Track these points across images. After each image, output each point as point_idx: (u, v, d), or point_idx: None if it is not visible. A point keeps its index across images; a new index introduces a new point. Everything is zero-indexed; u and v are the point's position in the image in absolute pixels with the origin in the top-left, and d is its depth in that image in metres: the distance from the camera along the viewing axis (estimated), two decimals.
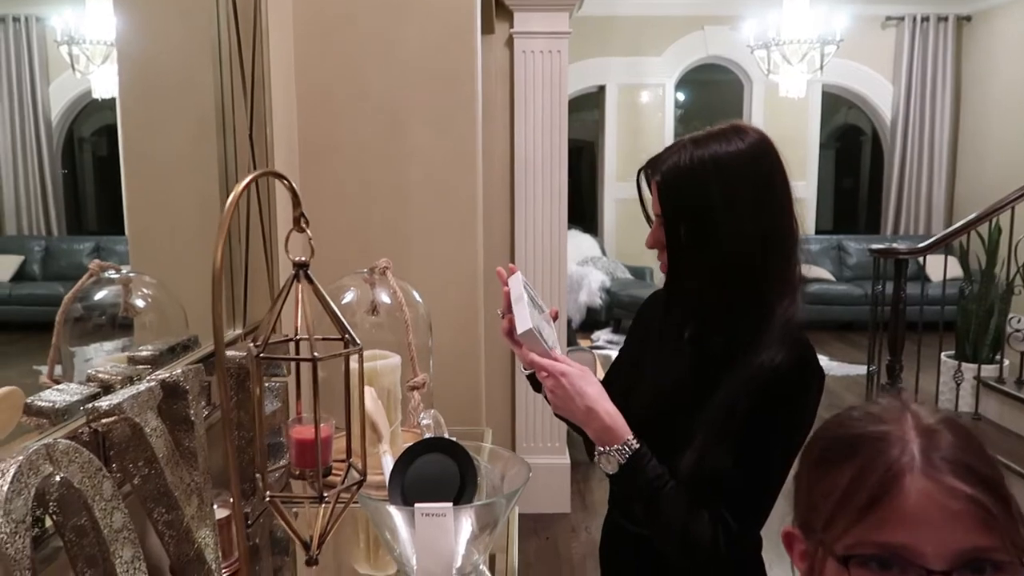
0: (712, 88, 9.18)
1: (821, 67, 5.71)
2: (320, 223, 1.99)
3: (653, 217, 1.14)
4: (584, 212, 9.74)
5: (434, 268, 1.89)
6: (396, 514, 1.00)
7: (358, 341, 0.93)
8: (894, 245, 3.81)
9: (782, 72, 5.78)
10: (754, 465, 1.05)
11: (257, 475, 0.95)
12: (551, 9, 3.15)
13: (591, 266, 7.21)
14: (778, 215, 1.09)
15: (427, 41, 1.86)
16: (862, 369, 4.60)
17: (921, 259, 3.60)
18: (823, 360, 1.01)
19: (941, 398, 3.82)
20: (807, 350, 1.09)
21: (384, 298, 1.46)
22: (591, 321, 7.02)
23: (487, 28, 3.13)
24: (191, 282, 1.46)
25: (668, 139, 7.59)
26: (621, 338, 6.88)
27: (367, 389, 1.27)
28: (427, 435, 1.23)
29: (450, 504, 0.97)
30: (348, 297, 1.48)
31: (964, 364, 3.71)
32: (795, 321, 1.11)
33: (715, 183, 1.06)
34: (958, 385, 3.69)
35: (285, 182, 0.90)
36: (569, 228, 7.60)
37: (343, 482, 0.95)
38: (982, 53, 7.26)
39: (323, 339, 0.98)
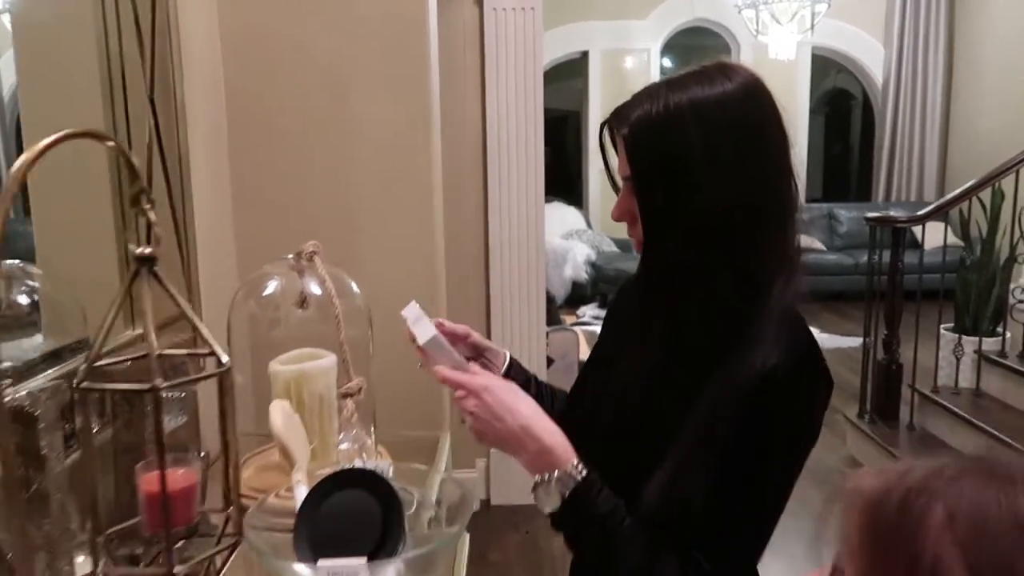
0: (698, 53, 8.89)
1: (812, 26, 5.47)
2: (251, 201, 1.73)
3: (620, 182, 0.92)
4: (569, 184, 9.51)
5: (385, 252, 1.67)
6: (299, 572, 0.79)
7: (224, 360, 0.71)
8: (891, 213, 3.60)
9: (771, 33, 5.53)
10: (737, 496, 0.83)
11: (98, 538, 0.74)
12: None
13: (576, 239, 6.99)
14: (772, 173, 0.87)
15: None
16: (854, 341, 4.42)
17: (920, 227, 3.40)
18: (814, 332, 0.88)
19: (940, 373, 3.64)
20: (810, 348, 0.87)
21: (315, 288, 1.24)
22: (576, 296, 6.82)
23: None
24: (92, 274, 1.24)
25: None
26: None
27: (278, 404, 1.05)
28: (350, 463, 1.01)
29: (363, 561, 0.76)
30: (271, 288, 1.26)
31: (964, 337, 3.53)
32: (792, 309, 0.89)
33: (695, 132, 0.84)
34: (958, 360, 3.51)
35: (110, 144, 0.67)
36: (553, 200, 7.42)
37: (218, 540, 0.73)
38: (977, 12, 7.02)
39: (189, 353, 0.76)
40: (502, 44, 2.97)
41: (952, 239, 4.09)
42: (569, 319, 6.24)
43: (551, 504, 0.85)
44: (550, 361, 3.59)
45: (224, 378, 0.77)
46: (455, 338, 1.08)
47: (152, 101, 1.24)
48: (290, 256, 1.23)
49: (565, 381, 3.55)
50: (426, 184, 1.67)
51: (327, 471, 0.90)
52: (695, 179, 0.84)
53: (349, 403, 1.18)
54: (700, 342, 0.88)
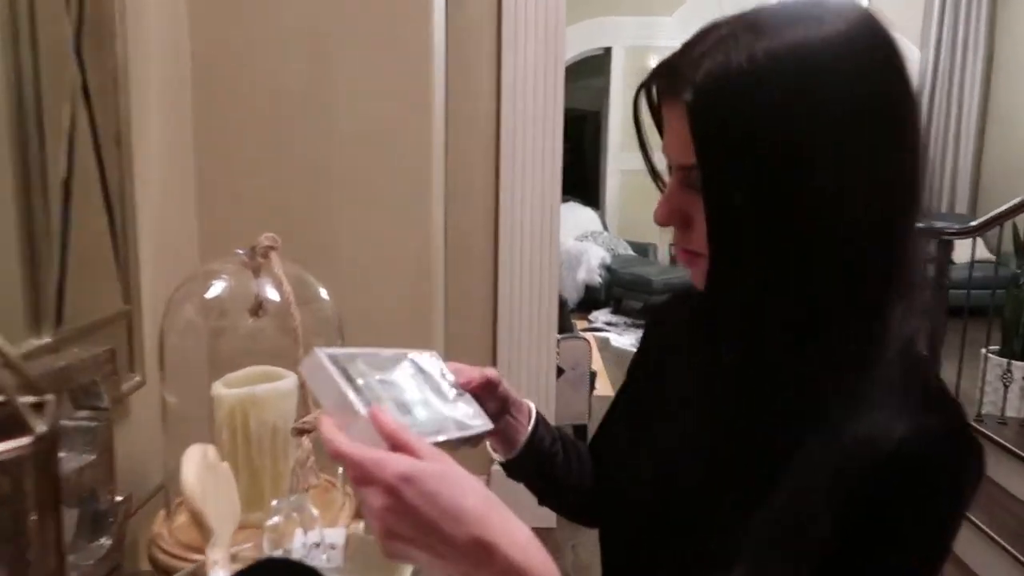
0: None
1: None
2: (219, 186, 1.38)
3: (670, 170, 0.66)
4: (586, 184, 9.25)
5: (366, 250, 1.41)
6: None
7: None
8: (938, 224, 3.32)
9: None
10: None
11: None
12: None
13: (591, 241, 6.73)
14: (906, 160, 0.59)
15: None
16: None
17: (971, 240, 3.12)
18: None
19: (985, 400, 3.35)
20: (953, 410, 0.60)
21: (273, 293, 0.99)
22: (589, 300, 6.56)
23: None
24: None
25: None
26: (621, 320, 6.47)
27: (195, 452, 0.80)
28: (281, 545, 0.75)
29: None
30: (216, 290, 1.00)
31: (1014, 363, 3.24)
32: (916, 351, 0.63)
33: (801, 100, 0.56)
34: (1006, 387, 3.22)
35: None
36: (569, 201, 7.16)
37: None
38: (1019, 19, 6.70)
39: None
40: (521, 27, 2.71)
41: (982, 253, 3.81)
42: (581, 324, 5.99)
43: None
44: (560, 371, 3.34)
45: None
46: (476, 387, 0.76)
47: (78, 54, 0.99)
48: (241, 251, 0.98)
49: (575, 393, 3.29)
50: (422, 175, 1.42)
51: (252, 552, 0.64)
52: (797, 167, 0.57)
53: (305, 442, 0.93)
54: (786, 396, 0.61)
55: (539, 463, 0.84)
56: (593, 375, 3.58)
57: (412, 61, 1.41)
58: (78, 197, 0.99)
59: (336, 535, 0.75)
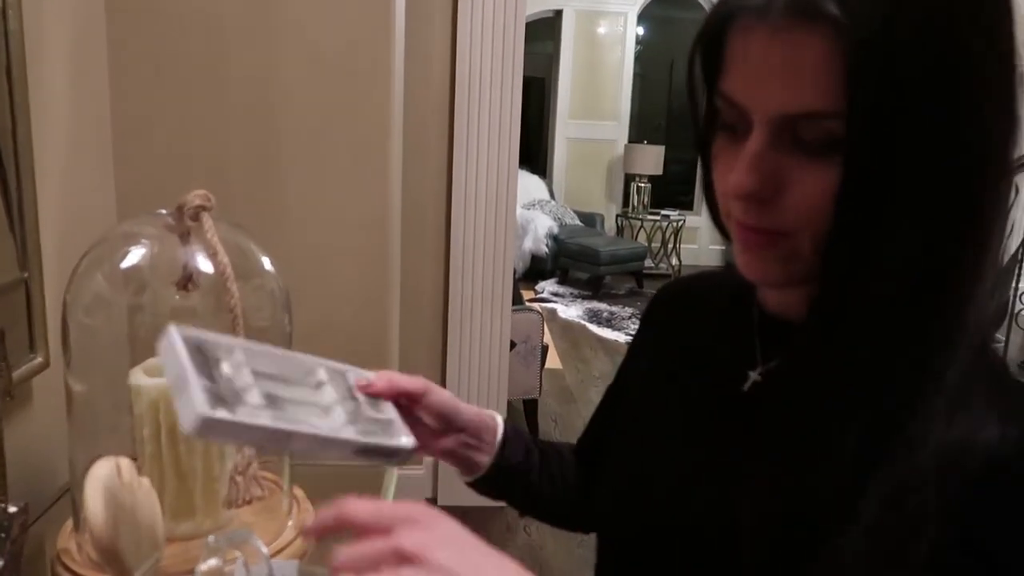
0: (673, 25, 8.54)
1: None
2: (134, 133, 1.18)
3: (730, 128, 0.52)
4: (532, 152, 9.11)
5: (322, 215, 1.24)
6: None
7: None
8: None
9: None
10: None
11: None
12: None
13: (538, 210, 6.59)
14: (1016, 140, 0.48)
15: None
16: None
17: None
18: None
19: None
20: None
21: (204, 263, 0.81)
22: (536, 270, 6.44)
23: None
24: None
25: (627, 77, 6.96)
26: (567, 290, 6.38)
27: (101, 469, 0.64)
28: None
29: None
30: (135, 258, 0.82)
31: None
32: (993, 350, 0.55)
33: (973, 38, 0.44)
34: None
35: None
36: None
37: None
38: None
39: None
40: None
41: None
42: (528, 294, 5.88)
43: None
44: (511, 345, 3.21)
45: None
46: (387, 396, 0.63)
47: None
48: (164, 211, 0.80)
49: (526, 368, 3.17)
50: (380, 124, 1.25)
51: None
52: (963, 123, 0.44)
53: (245, 449, 0.77)
54: (875, 415, 0.49)
55: (509, 481, 0.75)
56: (545, 348, 3.47)
57: (369, 16, 1.23)
58: None
59: (287, 569, 0.60)
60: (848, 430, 0.49)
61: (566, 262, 6.34)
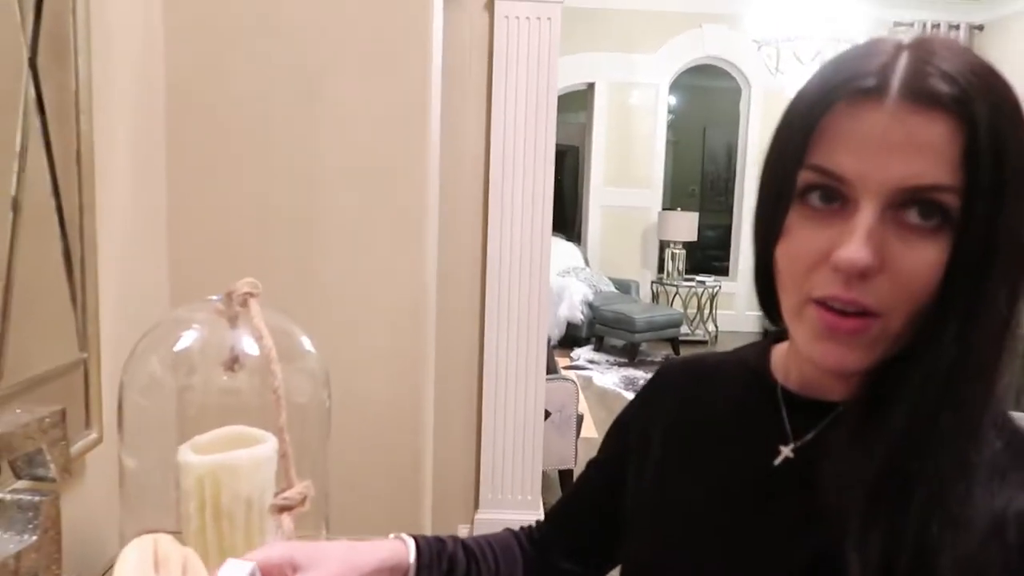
0: (705, 93, 8.70)
1: None
2: (187, 223, 1.24)
3: (830, 197, 0.53)
4: (567, 220, 9.23)
5: (359, 300, 1.30)
6: None
7: None
8: None
9: (791, 72, 5.26)
10: None
11: None
12: None
13: (572, 277, 6.64)
14: None
15: None
16: None
17: None
18: None
19: None
20: None
21: (251, 345, 0.86)
22: (571, 337, 6.45)
23: None
24: None
25: (660, 145, 7.07)
26: (603, 357, 6.36)
27: (132, 552, 0.67)
28: None
29: None
30: (186, 341, 0.88)
31: None
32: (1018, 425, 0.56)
33: None
34: None
35: None
36: (551, 236, 7.09)
37: None
38: (995, 63, 6.81)
39: None
40: (512, 57, 2.64)
41: None
42: (563, 362, 5.88)
43: None
44: (546, 415, 3.22)
45: None
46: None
47: (34, 67, 0.87)
48: (215, 298, 0.86)
49: (561, 437, 3.16)
50: (415, 216, 1.31)
51: None
52: None
53: (286, 520, 0.80)
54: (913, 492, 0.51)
55: None
56: (580, 418, 3.46)
57: (407, 95, 1.30)
58: (27, 220, 0.87)
59: None
60: (896, 507, 0.50)
61: (601, 329, 6.35)
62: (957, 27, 6.92)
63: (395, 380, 1.32)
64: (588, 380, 5.57)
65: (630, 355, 6.13)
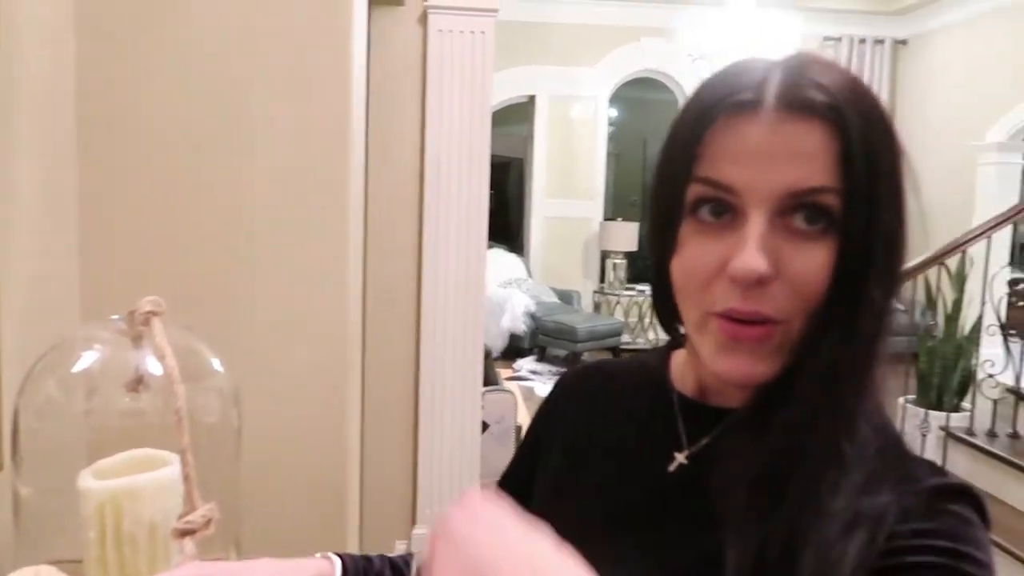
0: (645, 106, 8.84)
1: None
2: (100, 238, 1.21)
3: (719, 211, 0.55)
4: (510, 230, 9.26)
5: (281, 316, 1.28)
6: None
7: None
8: None
9: None
10: None
11: None
12: None
13: (515, 288, 6.67)
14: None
15: None
16: None
17: None
18: None
19: None
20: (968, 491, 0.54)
21: (155, 365, 0.84)
22: (513, 348, 6.47)
23: None
24: None
25: (601, 157, 7.16)
26: (546, 368, 6.40)
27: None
28: None
29: None
30: (87, 362, 0.85)
31: (931, 413, 3.30)
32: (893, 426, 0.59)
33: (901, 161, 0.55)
34: (923, 437, 3.27)
35: None
36: (493, 247, 7.10)
37: None
38: (917, 77, 7.12)
39: None
40: (447, 69, 2.65)
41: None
42: (505, 373, 5.88)
43: None
44: (484, 426, 3.21)
45: None
46: None
47: None
48: (116, 317, 0.83)
49: (500, 448, 3.17)
50: (338, 231, 1.30)
51: None
52: (901, 232, 0.55)
53: (188, 544, 0.78)
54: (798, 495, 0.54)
55: None
56: (519, 429, 3.47)
57: (329, 110, 1.29)
58: None
59: None
60: (772, 502, 0.51)
61: (544, 340, 6.38)
62: (882, 41, 7.20)
63: (318, 397, 1.31)
64: (530, 390, 5.58)
65: (572, 365, 6.16)
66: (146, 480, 0.82)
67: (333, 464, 1.32)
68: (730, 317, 0.53)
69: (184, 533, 0.78)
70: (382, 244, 2.68)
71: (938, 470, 0.57)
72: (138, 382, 0.85)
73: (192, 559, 0.79)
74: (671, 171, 0.58)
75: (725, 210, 0.54)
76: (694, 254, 0.55)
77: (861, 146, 0.51)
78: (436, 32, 2.61)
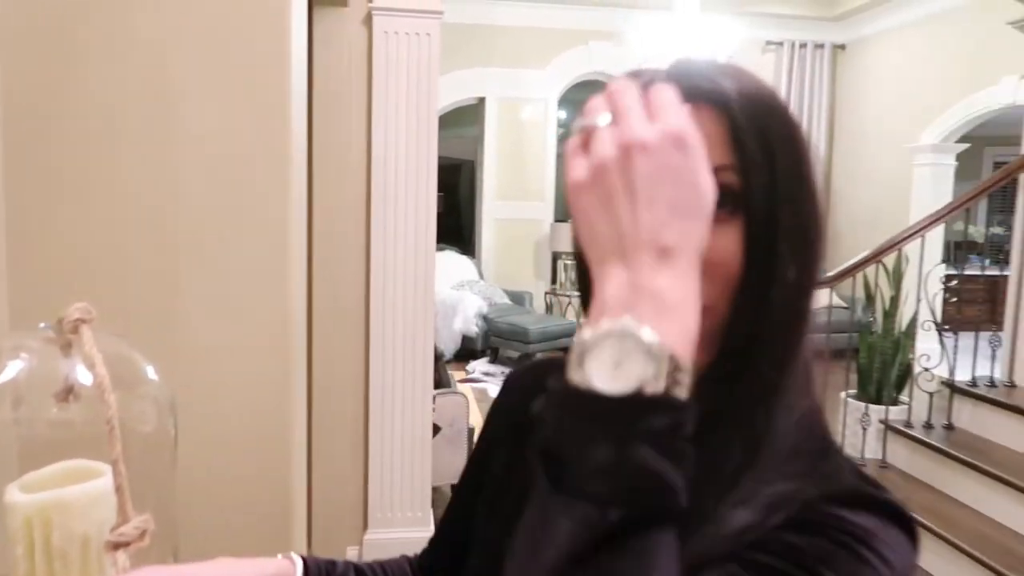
0: None
1: None
2: (28, 244, 1.17)
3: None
4: (462, 233, 9.25)
5: (219, 322, 1.25)
6: None
7: None
8: None
9: None
10: None
11: None
12: None
13: (467, 290, 6.66)
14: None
15: None
16: None
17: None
18: None
19: (846, 443, 3.50)
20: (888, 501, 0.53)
21: (86, 375, 0.82)
22: (466, 350, 6.46)
23: (338, 0, 2.53)
24: None
25: (551, 159, 7.20)
26: (499, 369, 6.41)
27: None
28: None
29: None
30: (11, 372, 0.82)
31: (871, 407, 3.40)
32: (825, 427, 0.59)
33: (796, 129, 0.55)
34: (864, 430, 3.37)
35: None
36: (445, 249, 7.09)
37: None
38: (856, 81, 7.33)
39: None
40: (392, 71, 2.63)
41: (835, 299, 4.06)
42: (459, 375, 5.87)
43: (621, 384, 0.39)
44: (436, 429, 3.20)
45: None
46: None
47: None
48: (43, 325, 0.81)
49: (453, 451, 3.16)
50: (278, 232, 1.28)
51: None
52: (808, 189, 0.55)
53: (121, 557, 0.76)
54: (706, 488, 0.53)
55: None
56: (471, 431, 3.47)
57: (267, 112, 1.27)
58: None
59: None
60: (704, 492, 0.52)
61: (496, 341, 6.38)
62: (822, 46, 7.39)
63: (260, 403, 1.29)
64: (483, 392, 5.58)
65: None
66: (76, 492, 0.80)
67: (277, 471, 1.30)
68: None
69: (117, 546, 0.76)
70: (329, 247, 2.65)
71: (865, 480, 0.55)
72: (68, 392, 0.83)
73: (126, 572, 0.77)
74: None
75: None
76: None
77: (748, 121, 0.52)
78: (381, 34, 2.60)
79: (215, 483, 1.22)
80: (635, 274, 0.42)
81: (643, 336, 0.39)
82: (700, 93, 0.53)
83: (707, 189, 0.44)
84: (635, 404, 0.38)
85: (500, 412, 0.79)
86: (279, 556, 0.74)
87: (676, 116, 0.44)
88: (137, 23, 1.22)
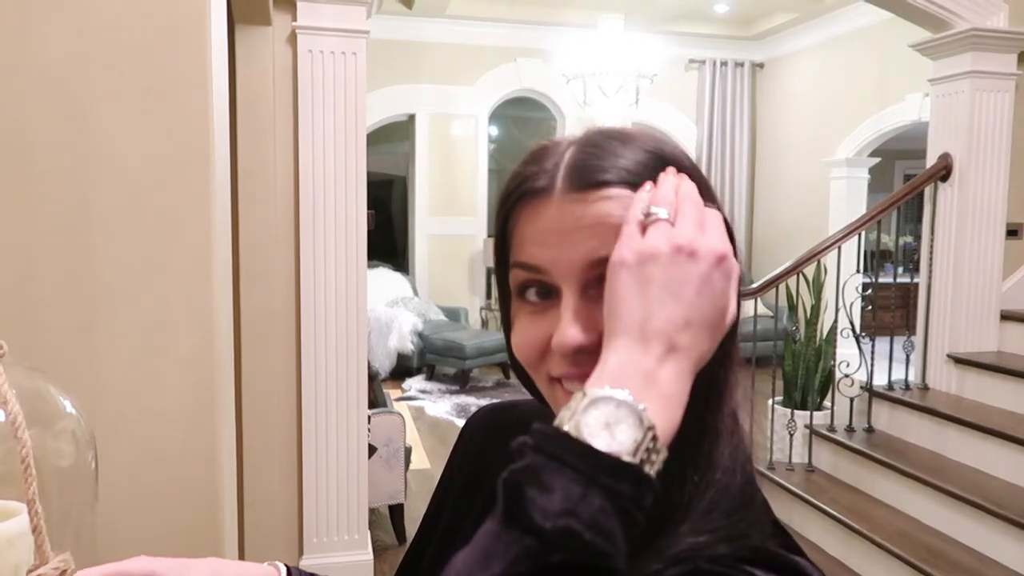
0: (524, 124, 9.01)
1: (637, 100, 5.58)
2: None
3: (543, 292, 0.57)
4: (396, 249, 9.18)
5: (139, 346, 1.22)
6: None
7: None
8: None
9: (598, 105, 5.58)
10: None
11: None
12: (344, 1, 2.57)
13: (402, 307, 6.61)
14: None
15: None
16: None
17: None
18: None
19: (774, 448, 3.60)
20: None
21: None
22: (402, 368, 6.41)
23: (261, 18, 2.50)
24: None
25: (483, 174, 7.23)
26: (435, 386, 6.37)
27: None
28: None
29: None
30: None
31: (797, 412, 3.52)
32: (750, 478, 0.57)
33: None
34: (791, 436, 3.48)
35: None
36: (378, 266, 7.02)
37: None
38: (774, 98, 7.61)
39: None
40: (319, 90, 2.61)
41: (760, 309, 4.19)
42: (395, 393, 5.81)
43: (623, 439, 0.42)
44: (372, 450, 3.16)
45: None
46: None
47: None
48: None
49: (389, 472, 3.11)
50: (201, 256, 1.25)
51: None
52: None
53: None
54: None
55: None
56: (408, 450, 3.44)
57: (187, 133, 1.24)
58: None
59: None
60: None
61: (432, 358, 6.35)
62: (742, 64, 7.66)
63: (185, 431, 1.25)
64: (420, 410, 5.54)
65: (462, 382, 6.17)
66: None
67: (205, 499, 1.27)
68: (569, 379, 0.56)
69: None
70: (257, 267, 2.61)
71: (785, 537, 0.55)
72: None
73: None
74: (497, 260, 0.63)
75: (549, 292, 0.57)
76: (525, 332, 0.58)
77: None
78: (306, 52, 2.58)
79: (140, 516, 1.19)
80: (644, 357, 0.46)
81: (638, 409, 0.43)
82: (608, 179, 0.54)
83: (731, 313, 0.49)
84: (611, 464, 0.42)
85: (454, 458, 0.79)
86: (264, 564, 0.73)
87: (721, 238, 0.50)
88: (46, 39, 1.19)
